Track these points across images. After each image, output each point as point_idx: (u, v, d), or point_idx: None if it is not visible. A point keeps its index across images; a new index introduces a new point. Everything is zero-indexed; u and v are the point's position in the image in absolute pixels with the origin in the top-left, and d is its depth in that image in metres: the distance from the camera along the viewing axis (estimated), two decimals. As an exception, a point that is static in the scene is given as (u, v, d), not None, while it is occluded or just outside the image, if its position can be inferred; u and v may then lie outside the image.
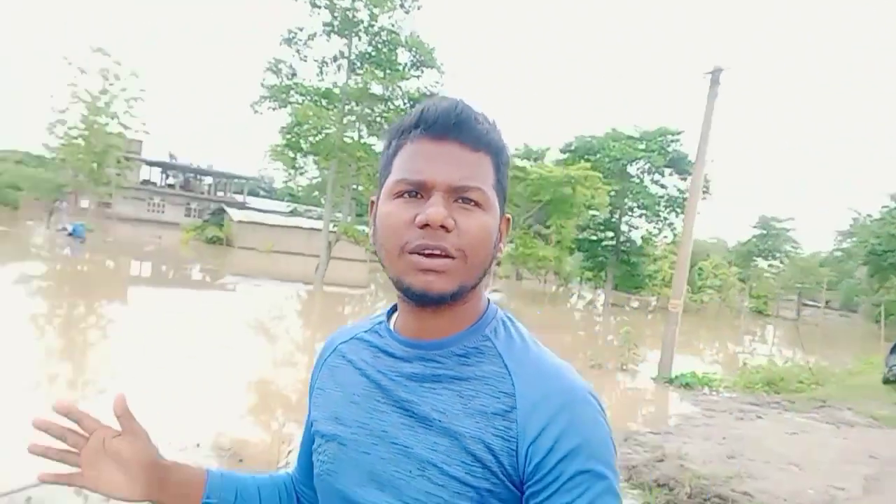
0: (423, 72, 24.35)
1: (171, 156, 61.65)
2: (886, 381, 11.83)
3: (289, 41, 23.71)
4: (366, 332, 0.91)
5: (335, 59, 24.21)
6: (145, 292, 17.57)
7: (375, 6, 22.53)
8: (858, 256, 40.70)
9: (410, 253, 0.75)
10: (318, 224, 25.17)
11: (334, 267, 25.17)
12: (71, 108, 32.00)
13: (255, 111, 23.54)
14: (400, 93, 24.19)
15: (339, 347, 0.93)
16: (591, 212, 33.06)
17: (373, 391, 0.83)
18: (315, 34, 23.66)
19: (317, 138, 23.31)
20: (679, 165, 34.18)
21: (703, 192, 36.33)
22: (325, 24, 23.32)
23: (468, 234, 0.75)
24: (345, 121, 23.88)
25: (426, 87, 24.60)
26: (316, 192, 41.87)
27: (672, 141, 34.18)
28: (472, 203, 0.76)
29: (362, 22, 23.27)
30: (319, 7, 23.09)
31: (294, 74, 24.04)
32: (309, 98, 23.37)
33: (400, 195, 0.77)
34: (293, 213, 47.13)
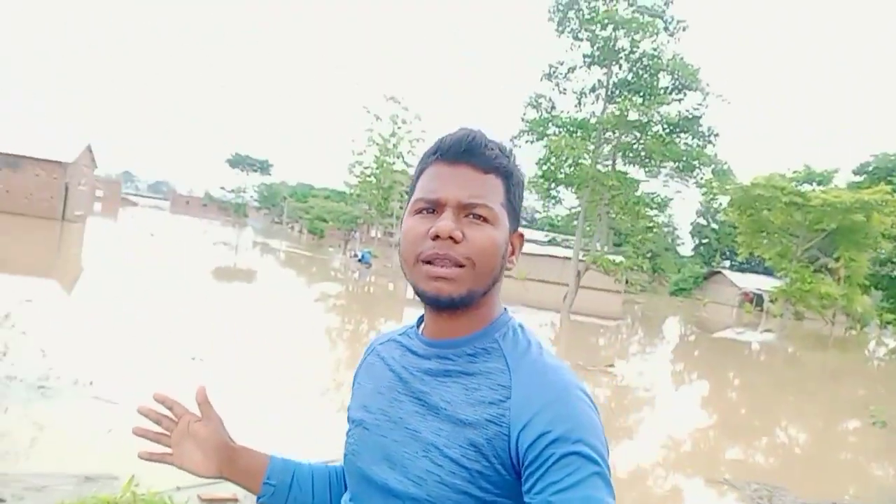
0: (685, 95, 23.36)
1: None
2: None
3: (549, 76, 24.80)
4: (400, 335, 1.03)
5: (593, 88, 24.58)
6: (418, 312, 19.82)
7: (637, 33, 22.40)
8: None
9: (424, 262, 0.86)
10: (571, 254, 25.51)
11: (585, 296, 25.15)
12: (367, 150, 37.63)
13: (515, 145, 24.93)
14: (658, 118, 23.55)
15: (376, 348, 1.06)
16: (894, 244, 27.85)
17: (396, 384, 0.95)
18: (575, 67, 24.37)
19: (571, 169, 23.81)
20: None
21: None
22: (586, 56, 23.85)
23: (475, 244, 0.85)
24: (599, 150, 24.02)
25: (688, 111, 23.55)
26: (574, 222, 42.44)
27: None
28: (481, 218, 0.87)
29: (623, 50, 23.29)
30: (581, 40, 23.75)
31: (553, 107, 25.03)
32: (565, 129, 24.03)
33: (419, 212, 0.89)
34: (551, 242, 48.20)
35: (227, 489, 3.93)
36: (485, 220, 0.87)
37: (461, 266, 0.85)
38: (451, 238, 0.84)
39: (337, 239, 48.83)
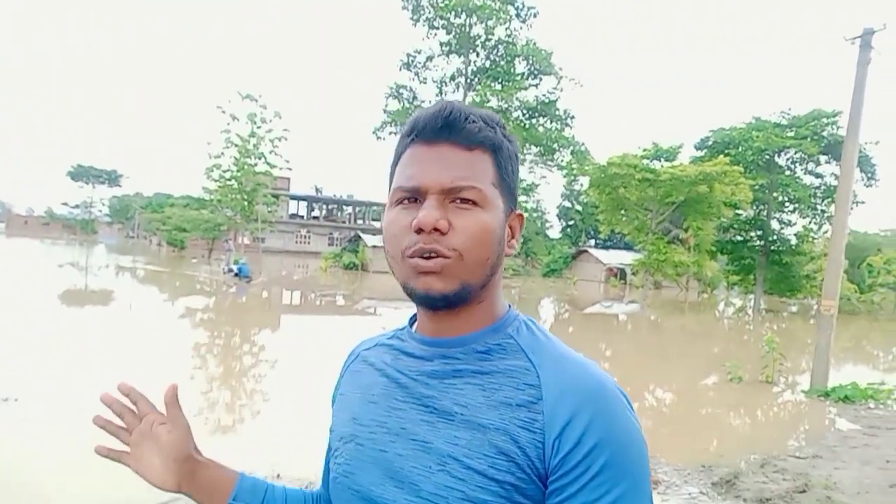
0: (540, 79, 24.08)
1: (317, 189, 66.18)
2: None
3: (408, 65, 24.57)
4: (388, 338, 0.93)
5: (453, 77, 24.69)
6: (294, 319, 18.79)
7: (490, 19, 22.68)
8: None
9: (410, 257, 0.77)
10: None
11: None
12: (225, 152, 35.37)
13: (378, 137, 24.56)
14: (518, 104, 24.07)
15: (361, 354, 0.96)
16: (735, 211, 30.51)
17: (392, 390, 0.84)
18: (433, 55, 24.30)
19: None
20: (836, 151, 30.50)
21: (869, 179, 32.35)
22: (443, 45, 23.86)
23: (463, 234, 0.76)
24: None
25: (544, 95, 24.28)
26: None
27: (827, 124, 30.73)
28: (469, 202, 0.77)
29: (479, 37, 23.53)
30: (437, 28, 23.70)
31: (415, 97, 24.83)
32: (428, 119, 23.96)
33: (399, 202, 0.79)
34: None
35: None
36: (474, 203, 0.77)
37: (449, 258, 0.76)
38: (436, 229, 0.75)
39: (200, 249, 45.82)
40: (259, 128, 35.52)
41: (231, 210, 37.82)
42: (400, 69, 24.77)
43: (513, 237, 0.84)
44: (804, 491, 5.07)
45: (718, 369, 11.83)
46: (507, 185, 0.82)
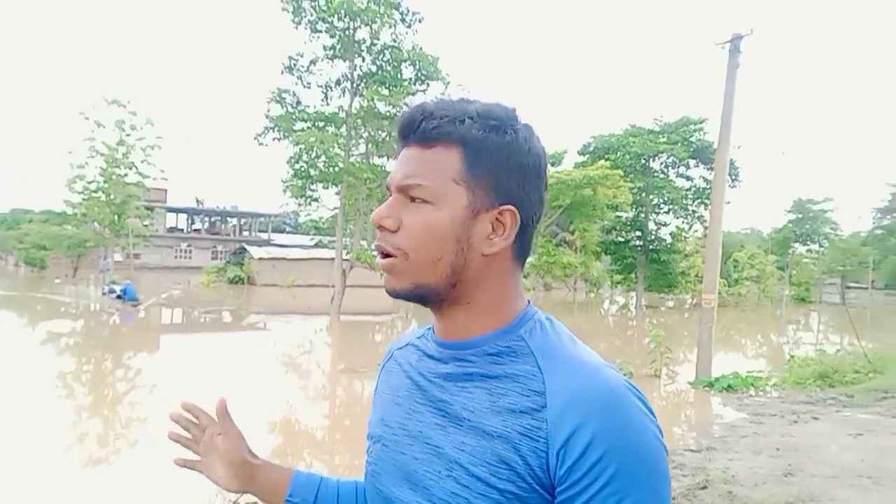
0: (428, 85, 23.87)
1: (198, 201, 62.44)
2: (956, 364, 10.66)
3: (290, 69, 23.50)
4: (418, 338, 0.93)
5: (339, 82, 23.90)
6: (176, 339, 17.29)
7: (374, 23, 22.17)
8: (903, 232, 38.62)
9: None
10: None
11: (355, 295, 24.61)
12: (90, 162, 32.37)
13: (261, 143, 23.32)
14: (406, 109, 23.72)
15: (394, 353, 0.96)
16: (617, 213, 31.98)
17: (414, 392, 0.85)
18: (317, 59, 23.41)
19: (324, 165, 22.91)
20: (703, 155, 32.92)
21: (732, 181, 35.07)
22: (327, 48, 23.05)
23: (408, 232, 0.77)
24: (352, 144, 23.48)
25: (433, 101, 24.15)
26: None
27: (695, 130, 33.01)
28: (420, 200, 0.77)
29: (364, 41, 22.94)
30: (320, 31, 22.86)
31: (299, 102, 23.79)
32: (313, 124, 23.03)
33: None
34: (317, 245, 46.86)
35: None
36: (425, 201, 0.78)
37: (395, 256, 0.79)
38: (383, 227, 0.79)
39: (64, 268, 41.70)
40: (128, 135, 32.83)
41: (99, 224, 34.72)
42: (282, 73, 23.68)
43: (497, 233, 0.78)
44: (705, 487, 5.03)
45: (610, 366, 12.06)
46: (482, 178, 0.77)
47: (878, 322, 28.22)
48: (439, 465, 0.76)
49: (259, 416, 8.45)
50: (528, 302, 0.85)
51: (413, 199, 0.78)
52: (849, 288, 49.69)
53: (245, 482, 0.97)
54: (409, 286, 0.79)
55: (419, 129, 0.78)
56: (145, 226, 36.85)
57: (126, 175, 33.13)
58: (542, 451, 0.70)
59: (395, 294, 0.80)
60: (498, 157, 0.78)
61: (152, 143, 33.39)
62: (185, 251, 56.02)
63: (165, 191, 52.11)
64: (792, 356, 13.44)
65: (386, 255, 0.79)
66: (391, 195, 0.81)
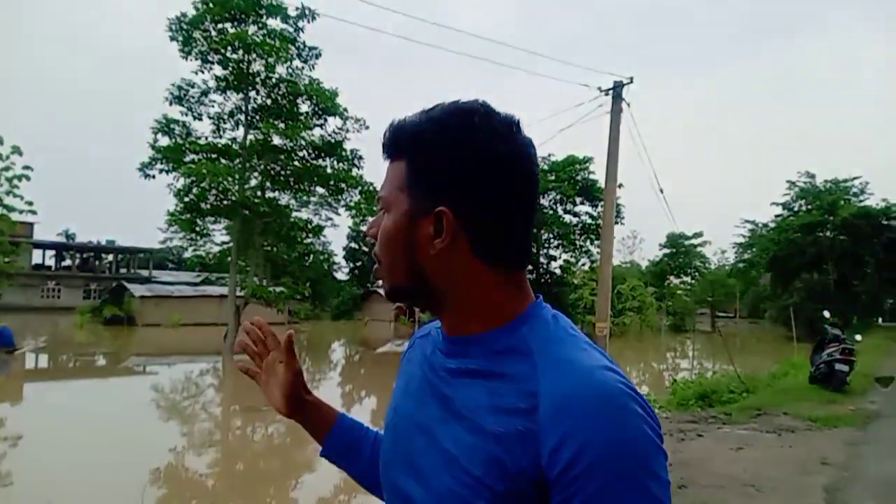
0: (325, 120, 23.76)
1: (69, 236, 57.78)
2: (813, 381, 11.89)
3: (178, 99, 22.62)
4: (437, 328, 0.92)
5: (232, 114, 23.28)
6: (43, 388, 15.69)
7: (270, 56, 21.89)
8: (761, 265, 42.77)
9: None
10: (228, 290, 23.63)
11: (248, 332, 23.66)
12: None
13: (147, 175, 22.13)
14: (304, 143, 23.44)
15: (416, 341, 0.99)
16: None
17: (423, 384, 0.86)
18: (209, 90, 22.71)
19: (217, 199, 22.09)
20: (588, 193, 35.07)
21: (616, 217, 37.50)
22: (219, 80, 22.43)
23: (378, 240, 0.84)
24: (246, 177, 22.84)
25: (330, 136, 24.02)
26: (229, 258, 39.80)
27: (581, 169, 35.06)
28: (383, 210, 0.84)
29: (258, 74, 22.56)
30: (212, 63, 22.25)
31: (189, 133, 22.88)
32: (205, 156, 22.20)
33: None
34: (204, 282, 44.57)
35: None
36: (386, 210, 0.84)
37: (376, 263, 0.86)
38: (367, 235, 0.86)
39: None
40: (-9, 165, 30.08)
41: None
42: (171, 103, 22.69)
43: (438, 235, 0.78)
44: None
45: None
46: (421, 183, 0.80)
47: (745, 347, 30.88)
48: (439, 459, 0.77)
49: (147, 464, 7.91)
50: (538, 299, 0.84)
51: (382, 211, 0.85)
52: (717, 317, 54.06)
53: (295, 411, 1.04)
54: (388, 288, 0.85)
55: (383, 147, 0.85)
56: (7, 262, 33.54)
57: (-13, 208, 30.16)
58: (534, 452, 0.69)
59: (385, 295, 0.88)
60: (437, 161, 0.79)
61: (19, 172, 30.74)
62: (53, 290, 51.36)
63: (32, 224, 47.87)
64: (674, 380, 14.44)
65: (375, 264, 0.86)
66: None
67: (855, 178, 36.75)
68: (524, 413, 0.71)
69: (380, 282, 0.87)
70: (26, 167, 31.03)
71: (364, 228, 1.09)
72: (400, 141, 0.83)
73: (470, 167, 0.78)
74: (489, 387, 0.76)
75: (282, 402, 1.03)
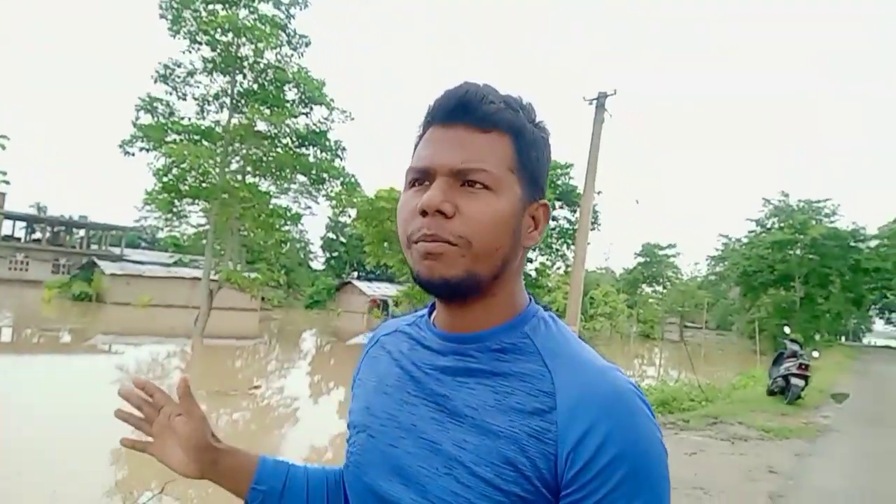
0: (311, 108, 23.73)
1: (40, 208, 56.72)
2: (770, 393, 12.30)
3: (164, 78, 22.42)
4: (408, 325, 0.88)
5: (217, 96, 23.12)
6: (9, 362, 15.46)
7: (260, 41, 21.79)
8: (731, 278, 43.65)
9: (416, 242, 0.74)
10: (202, 273, 23.48)
11: (219, 317, 23.54)
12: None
13: (127, 153, 21.91)
14: (288, 130, 23.40)
15: (381, 339, 0.92)
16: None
17: (405, 383, 0.82)
18: (195, 71, 22.54)
19: (196, 181, 21.95)
20: (568, 198, 35.45)
21: (593, 223, 37.96)
22: (207, 61, 22.27)
23: (471, 219, 0.72)
24: (227, 161, 22.72)
25: (315, 125, 24.00)
26: (203, 241, 39.36)
27: (562, 174, 35.41)
28: (480, 185, 0.73)
29: (247, 58, 22.45)
30: (200, 43, 22.07)
31: (172, 113, 22.68)
32: (187, 137, 22.04)
33: (411, 185, 0.77)
34: (177, 263, 44.11)
35: None
36: (486, 187, 0.73)
37: (455, 245, 0.72)
38: (441, 213, 0.72)
39: None
40: (-36, 130, 29.47)
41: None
42: (156, 81, 22.48)
43: (535, 228, 0.79)
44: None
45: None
46: (529, 171, 0.77)
47: (710, 358, 31.54)
48: (437, 462, 0.74)
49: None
50: (531, 298, 0.83)
51: (469, 185, 0.73)
52: (686, 327, 55.01)
53: (206, 468, 0.88)
54: (461, 275, 0.72)
55: (478, 111, 0.74)
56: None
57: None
58: (551, 454, 0.69)
59: (443, 281, 0.73)
60: (541, 153, 0.79)
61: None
62: (22, 262, 50.40)
63: (4, 195, 46.94)
64: (639, 386, 14.75)
65: (438, 241, 0.72)
66: (427, 180, 0.75)
67: (827, 200, 37.77)
68: (540, 413, 0.70)
69: (440, 263, 0.72)
70: (2, 136, 30.56)
71: (429, 200, 0.71)
72: (508, 116, 0.75)
73: (548, 167, 0.82)
74: (495, 386, 0.74)
75: (189, 460, 0.88)
